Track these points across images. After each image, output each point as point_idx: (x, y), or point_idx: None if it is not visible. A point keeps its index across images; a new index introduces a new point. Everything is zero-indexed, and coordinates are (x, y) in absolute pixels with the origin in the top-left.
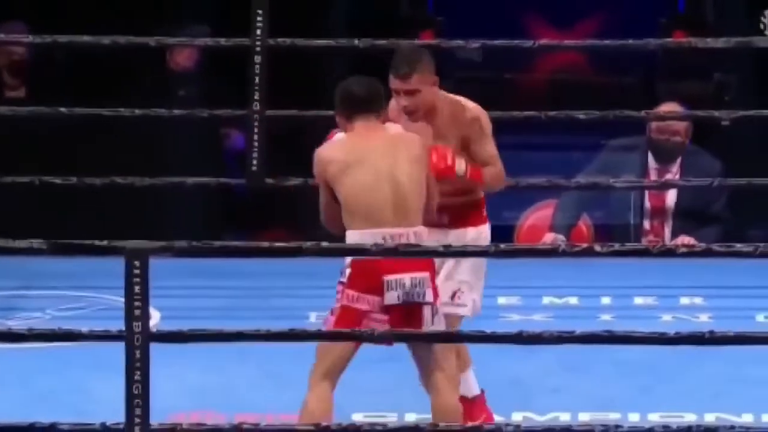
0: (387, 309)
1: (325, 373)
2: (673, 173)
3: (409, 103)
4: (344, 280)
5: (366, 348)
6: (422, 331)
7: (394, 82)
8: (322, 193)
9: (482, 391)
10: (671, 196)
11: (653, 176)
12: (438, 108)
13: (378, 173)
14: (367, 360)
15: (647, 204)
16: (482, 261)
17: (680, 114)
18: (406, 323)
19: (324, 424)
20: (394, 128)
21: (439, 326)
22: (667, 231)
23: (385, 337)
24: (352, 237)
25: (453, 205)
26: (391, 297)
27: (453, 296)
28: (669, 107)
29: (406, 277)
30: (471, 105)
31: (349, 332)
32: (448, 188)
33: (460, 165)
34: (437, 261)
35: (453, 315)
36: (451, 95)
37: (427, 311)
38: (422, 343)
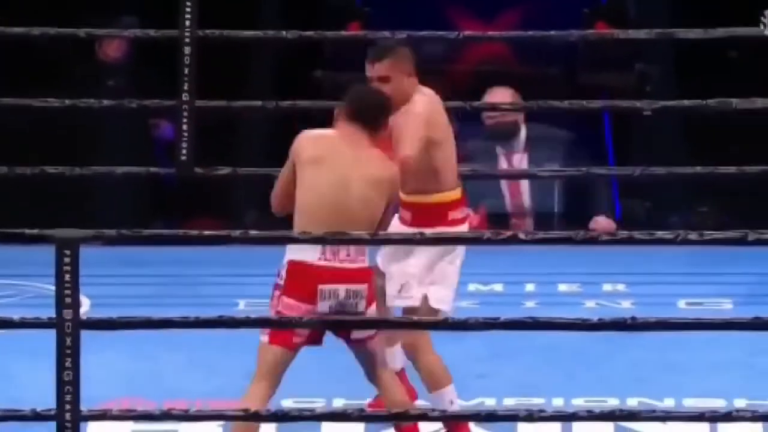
0: (319, 317)
1: (263, 375)
2: (520, 155)
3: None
4: (281, 283)
5: None
6: (353, 318)
7: (367, 68)
8: (286, 169)
9: (403, 369)
10: (525, 183)
11: (502, 162)
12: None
13: (334, 179)
14: None
15: (506, 191)
16: (437, 255)
17: (517, 104)
18: (336, 331)
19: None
20: (377, 152)
21: (367, 332)
22: (528, 219)
23: (312, 324)
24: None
25: (415, 204)
26: (324, 306)
27: (400, 289)
28: (500, 94)
29: (341, 288)
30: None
31: (276, 319)
32: (411, 187)
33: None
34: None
35: (406, 308)
36: (429, 92)
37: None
38: (362, 346)
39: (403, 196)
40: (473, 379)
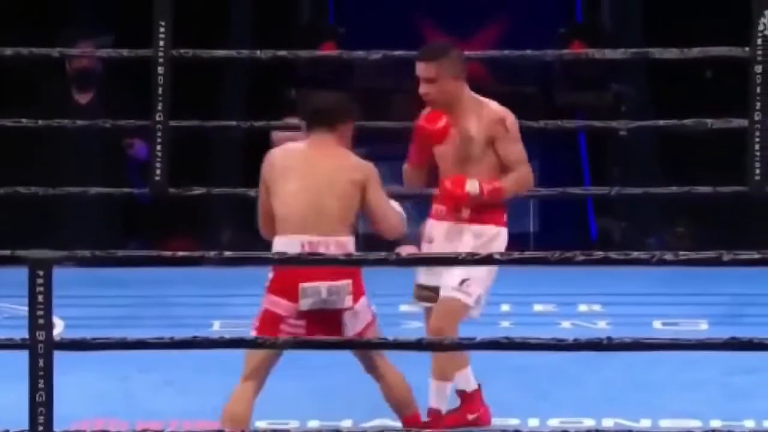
0: (302, 315)
1: (249, 375)
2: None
3: (427, 91)
4: (268, 280)
5: None
6: (322, 338)
7: (417, 67)
8: (261, 192)
9: (479, 386)
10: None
11: None
12: (462, 106)
13: (305, 183)
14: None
15: None
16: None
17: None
18: (323, 329)
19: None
20: (344, 152)
21: (360, 325)
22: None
23: (289, 344)
24: (276, 242)
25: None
26: (306, 303)
27: (462, 282)
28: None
29: (323, 286)
30: (497, 107)
31: (251, 340)
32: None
33: (473, 187)
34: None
35: (456, 300)
36: (481, 97)
37: (347, 316)
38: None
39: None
40: (449, 399)
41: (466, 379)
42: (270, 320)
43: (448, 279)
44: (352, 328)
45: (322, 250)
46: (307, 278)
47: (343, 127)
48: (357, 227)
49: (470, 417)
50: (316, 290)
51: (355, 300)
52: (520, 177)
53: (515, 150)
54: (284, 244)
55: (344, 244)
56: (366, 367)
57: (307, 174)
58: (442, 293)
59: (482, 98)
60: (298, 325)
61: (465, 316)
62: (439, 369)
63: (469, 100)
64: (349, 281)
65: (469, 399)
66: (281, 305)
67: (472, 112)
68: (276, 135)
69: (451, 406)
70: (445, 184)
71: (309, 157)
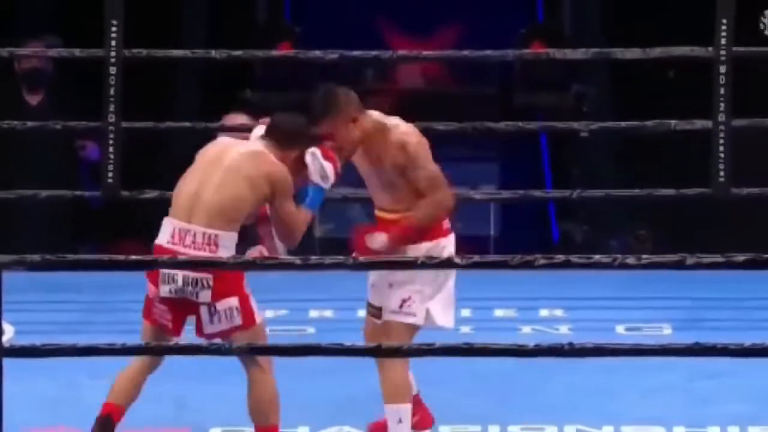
0: (164, 300)
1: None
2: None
3: (331, 146)
4: None
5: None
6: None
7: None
8: None
9: (418, 392)
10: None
11: None
12: (369, 138)
13: (204, 172)
14: (224, 371)
15: None
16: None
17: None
18: (176, 319)
19: None
20: (262, 153)
21: (221, 325)
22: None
23: (236, 351)
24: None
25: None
26: (163, 290)
27: (402, 305)
28: (235, 119)
29: (179, 274)
30: (399, 132)
31: (204, 347)
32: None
33: (377, 242)
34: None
35: (398, 323)
36: (385, 120)
37: (203, 311)
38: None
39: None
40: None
41: None
42: (146, 303)
43: (389, 302)
44: (210, 325)
45: (188, 239)
46: (168, 265)
47: (291, 152)
48: (242, 226)
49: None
50: (172, 277)
51: (216, 298)
52: (432, 204)
53: (422, 176)
54: (163, 225)
55: (214, 237)
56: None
57: (213, 164)
58: (384, 317)
59: (388, 122)
60: (164, 310)
61: (412, 334)
62: (390, 393)
63: (374, 128)
64: (209, 276)
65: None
66: (151, 290)
67: (378, 141)
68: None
69: None
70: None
71: (228, 152)
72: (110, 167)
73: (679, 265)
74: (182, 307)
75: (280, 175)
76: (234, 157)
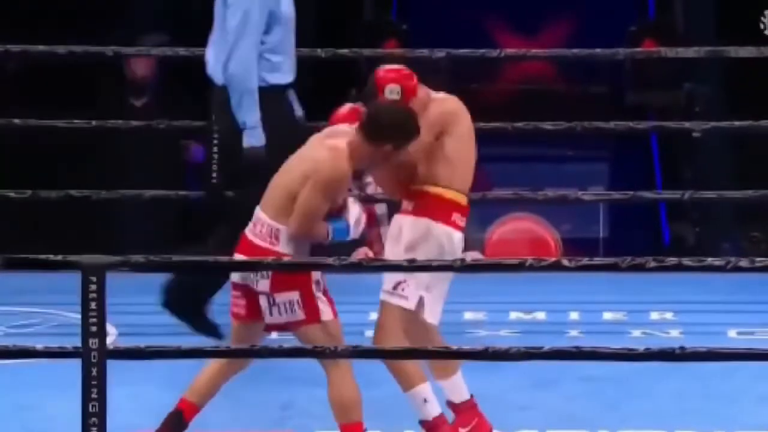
0: (236, 286)
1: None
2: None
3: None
4: None
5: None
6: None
7: None
8: None
9: (471, 396)
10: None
11: None
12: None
13: (287, 164)
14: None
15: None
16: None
17: None
18: (250, 305)
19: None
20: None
21: (281, 317)
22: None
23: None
24: None
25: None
26: (234, 275)
27: (396, 286)
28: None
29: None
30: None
31: (309, 350)
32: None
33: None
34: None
35: (391, 304)
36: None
37: (263, 300)
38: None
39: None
40: (515, 410)
41: (455, 388)
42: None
43: (385, 281)
44: (270, 316)
45: (257, 228)
46: (239, 251)
47: (381, 147)
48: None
49: (462, 431)
50: None
51: (275, 289)
52: None
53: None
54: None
55: (276, 231)
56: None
57: (298, 154)
58: (380, 296)
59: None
60: (237, 296)
61: (404, 319)
62: (403, 380)
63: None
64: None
65: (460, 411)
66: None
67: None
68: None
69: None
70: None
71: (313, 142)
72: (214, 167)
73: None
74: (246, 294)
75: (326, 165)
76: (308, 151)
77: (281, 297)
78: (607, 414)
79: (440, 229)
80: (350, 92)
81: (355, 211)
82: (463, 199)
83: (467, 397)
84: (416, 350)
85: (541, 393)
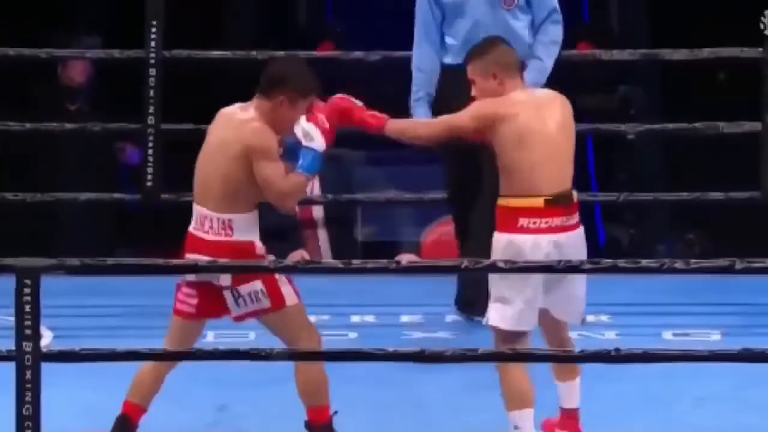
0: (191, 285)
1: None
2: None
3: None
4: None
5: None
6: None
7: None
8: None
9: (578, 408)
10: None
11: None
12: None
13: (204, 154)
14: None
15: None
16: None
17: None
18: (210, 302)
19: None
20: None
21: (248, 308)
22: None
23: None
24: None
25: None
26: (190, 275)
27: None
28: None
29: (200, 258)
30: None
31: (244, 352)
32: None
33: None
34: None
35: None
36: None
37: (227, 295)
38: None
39: None
40: (452, 414)
41: (570, 394)
42: (175, 294)
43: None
44: (237, 308)
45: (206, 225)
46: (188, 249)
47: (275, 98)
48: (255, 202)
49: None
50: (194, 261)
51: (238, 282)
52: None
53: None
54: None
55: (228, 222)
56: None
57: (215, 144)
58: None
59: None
60: (190, 294)
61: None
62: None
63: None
64: (226, 260)
65: (566, 416)
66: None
67: None
68: None
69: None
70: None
71: (224, 126)
72: (150, 170)
73: (728, 270)
74: (206, 292)
75: (255, 139)
76: (224, 135)
77: (245, 288)
78: (544, 415)
79: (503, 238)
80: None
81: (298, 129)
82: (533, 202)
83: (575, 406)
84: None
85: (478, 396)
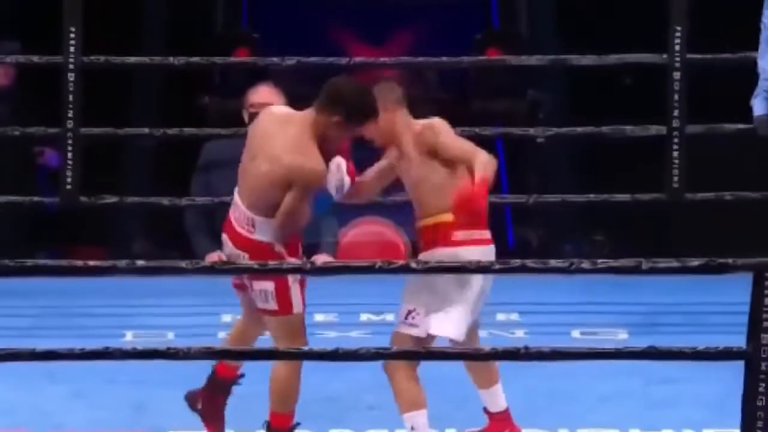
0: None
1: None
2: None
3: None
4: None
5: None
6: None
7: None
8: None
9: (507, 408)
10: None
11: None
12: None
13: (249, 148)
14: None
15: None
16: (445, 283)
17: None
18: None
19: None
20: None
21: (259, 303)
22: None
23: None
24: None
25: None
26: (225, 252)
27: (407, 316)
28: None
29: (229, 242)
30: (418, 123)
31: (163, 351)
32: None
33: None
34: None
35: (401, 333)
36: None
37: (246, 280)
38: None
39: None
40: (363, 410)
41: (493, 398)
42: None
43: (400, 312)
44: (255, 299)
45: (236, 213)
46: (224, 231)
47: (338, 118)
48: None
49: None
50: (225, 241)
51: (252, 276)
52: (483, 161)
53: (456, 146)
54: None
55: (252, 220)
56: None
57: (261, 141)
58: (397, 329)
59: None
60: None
61: (416, 346)
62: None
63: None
64: (245, 254)
65: (494, 420)
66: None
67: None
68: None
69: None
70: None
71: (274, 130)
72: (68, 173)
73: (635, 270)
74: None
75: (304, 170)
76: (279, 144)
77: (257, 285)
78: (454, 413)
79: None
80: (203, 99)
81: (333, 178)
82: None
83: (504, 407)
84: (269, 351)
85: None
